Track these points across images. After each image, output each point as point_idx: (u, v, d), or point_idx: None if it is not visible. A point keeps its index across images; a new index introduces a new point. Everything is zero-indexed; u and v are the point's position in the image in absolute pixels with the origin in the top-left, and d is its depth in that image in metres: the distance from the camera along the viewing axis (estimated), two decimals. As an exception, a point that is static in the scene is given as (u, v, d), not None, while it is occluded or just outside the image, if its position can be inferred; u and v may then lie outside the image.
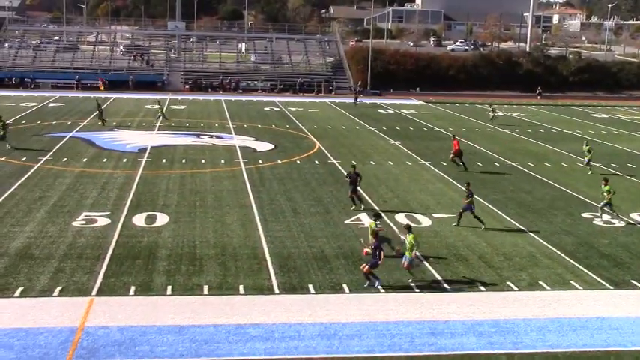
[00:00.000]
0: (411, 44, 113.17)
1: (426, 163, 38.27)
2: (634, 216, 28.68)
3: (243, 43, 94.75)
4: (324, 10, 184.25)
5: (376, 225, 22.02)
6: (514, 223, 27.05)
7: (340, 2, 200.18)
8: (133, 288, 19.15)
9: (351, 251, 22.78)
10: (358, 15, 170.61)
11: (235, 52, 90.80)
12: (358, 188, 28.48)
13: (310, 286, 19.78)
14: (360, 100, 66.76)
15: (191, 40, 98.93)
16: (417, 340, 16.74)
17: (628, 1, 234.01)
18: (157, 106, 52.26)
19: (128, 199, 28.58)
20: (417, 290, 19.84)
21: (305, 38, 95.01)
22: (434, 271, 21.41)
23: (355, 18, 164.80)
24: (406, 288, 19.92)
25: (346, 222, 26.19)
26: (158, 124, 48.85)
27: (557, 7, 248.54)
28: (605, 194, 27.85)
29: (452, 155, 37.40)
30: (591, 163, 37.17)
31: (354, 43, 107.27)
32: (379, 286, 19.74)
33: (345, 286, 19.89)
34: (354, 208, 27.91)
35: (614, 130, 53.22)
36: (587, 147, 37.71)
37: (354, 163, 32.13)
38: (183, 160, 36.95)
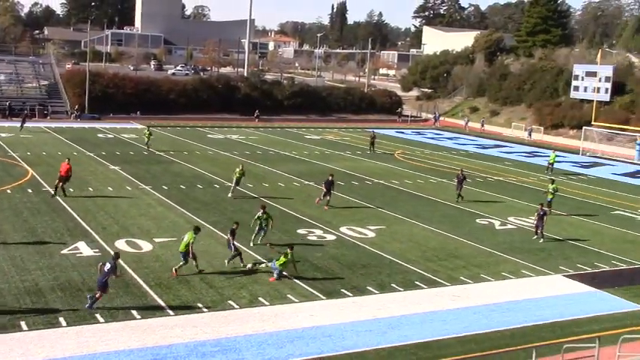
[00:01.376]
0: (132, 68, 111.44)
1: (146, 187, 37.83)
2: (343, 229, 30.84)
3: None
4: (37, 31, 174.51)
5: (194, 238, 23.12)
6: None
7: (55, 23, 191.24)
8: None
9: (68, 282, 21.81)
10: (75, 37, 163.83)
11: None
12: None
13: (22, 323, 18.56)
14: (25, 125, 59.06)
15: None
16: (139, 367, 16.48)
17: (335, 32, 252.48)
18: None
19: None
20: (139, 317, 19.54)
21: (16, 60, 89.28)
22: (155, 296, 21.24)
23: (72, 40, 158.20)
24: (128, 316, 19.53)
25: (62, 252, 25.00)
26: None
27: (273, 35, 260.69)
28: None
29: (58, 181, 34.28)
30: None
31: (70, 65, 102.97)
32: None
33: (61, 319, 18.96)
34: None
35: (325, 150, 56.88)
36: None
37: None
38: None
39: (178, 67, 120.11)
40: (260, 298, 21.63)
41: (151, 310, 20.18)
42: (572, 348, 17.03)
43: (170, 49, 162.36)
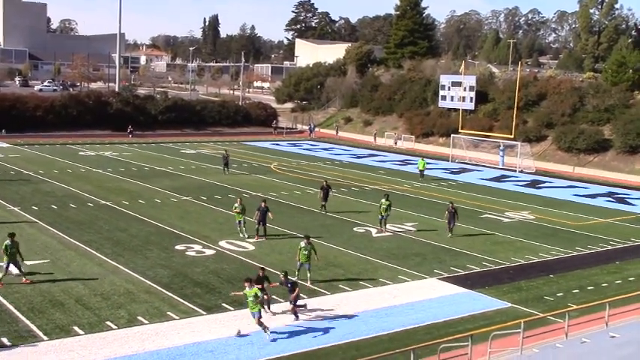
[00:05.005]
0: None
1: (15, 208, 36.21)
2: (222, 243, 30.69)
3: None
4: None
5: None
6: (112, 262, 27.03)
7: None
8: None
9: None
10: None
11: None
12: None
13: None
14: None
15: None
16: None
17: (207, 45, 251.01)
18: None
19: None
20: (9, 344, 18.69)
21: None
22: (27, 321, 20.39)
23: None
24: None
25: None
26: None
27: (144, 49, 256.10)
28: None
29: None
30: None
31: None
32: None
33: None
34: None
35: (201, 165, 56.34)
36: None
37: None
38: None
39: (45, 83, 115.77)
40: (139, 317, 21.19)
41: (22, 336, 19.34)
42: (447, 348, 17.71)
43: (36, 64, 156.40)
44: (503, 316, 22.84)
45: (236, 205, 32.24)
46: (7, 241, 23.82)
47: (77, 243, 29.40)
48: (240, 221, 32.01)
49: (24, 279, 24.02)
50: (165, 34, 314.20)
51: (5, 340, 18.94)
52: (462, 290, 25.84)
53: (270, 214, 31.79)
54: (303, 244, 25.47)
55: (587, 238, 36.05)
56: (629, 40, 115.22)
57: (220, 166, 52.70)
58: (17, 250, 23.92)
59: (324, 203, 39.14)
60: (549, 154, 69.39)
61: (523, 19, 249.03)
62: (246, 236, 31.70)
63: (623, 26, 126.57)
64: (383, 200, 34.57)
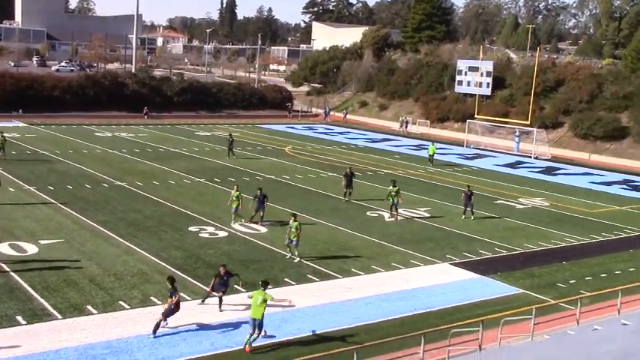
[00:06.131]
0: (12, 64, 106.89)
1: (31, 188, 36.50)
2: (235, 226, 30.81)
3: None
4: None
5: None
6: (125, 242, 27.23)
7: None
8: None
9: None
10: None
11: None
12: None
13: None
14: None
15: None
16: (26, 373, 16.01)
17: (224, 27, 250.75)
18: None
19: None
20: (24, 323, 18.93)
21: None
22: (42, 300, 20.63)
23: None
24: (13, 322, 18.89)
25: (-60, 258, 23.86)
26: None
27: (161, 30, 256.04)
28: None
29: None
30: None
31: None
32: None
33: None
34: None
35: (215, 147, 56.43)
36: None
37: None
38: None
39: (63, 64, 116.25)
40: (152, 298, 21.38)
41: (37, 315, 19.58)
42: (458, 333, 17.75)
43: (53, 44, 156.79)
44: (515, 302, 22.84)
45: (233, 192, 31.60)
46: None
47: (92, 223, 29.62)
48: (235, 208, 31.32)
49: None
50: (183, 15, 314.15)
51: (20, 319, 19.18)
52: (474, 276, 25.84)
53: (266, 202, 31.33)
54: (291, 222, 26.24)
55: (601, 225, 35.87)
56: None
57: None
58: None
59: (347, 191, 37.96)
60: (565, 141, 68.88)
61: (543, 3, 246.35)
62: (239, 222, 31.29)
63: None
64: (391, 187, 34.56)
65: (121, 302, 20.89)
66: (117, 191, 36.97)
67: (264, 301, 18.29)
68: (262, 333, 18.42)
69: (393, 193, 34.19)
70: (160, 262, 24.96)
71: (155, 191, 37.51)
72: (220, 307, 20.67)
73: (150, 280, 23.07)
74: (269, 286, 19.18)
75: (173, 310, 18.84)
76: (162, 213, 32.66)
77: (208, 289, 20.95)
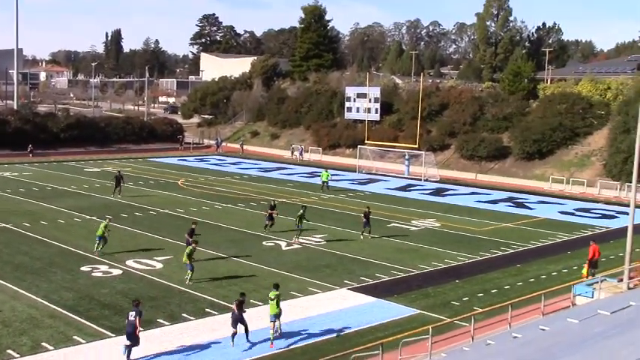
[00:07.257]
0: None
1: None
2: (129, 263, 30.09)
3: None
4: None
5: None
6: (13, 287, 26.07)
7: None
8: None
9: None
10: None
11: None
12: None
13: None
14: None
15: None
16: None
17: (110, 60, 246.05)
18: None
19: None
20: None
21: None
22: None
23: None
24: None
25: None
26: None
27: (44, 65, 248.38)
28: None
29: None
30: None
31: None
32: None
33: None
34: None
35: (106, 183, 54.92)
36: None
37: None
38: None
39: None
40: (43, 343, 20.54)
41: None
42: (359, 358, 17.93)
43: None
44: (413, 323, 23.32)
45: (104, 223, 32.03)
46: None
47: (-25, 269, 28.26)
48: (100, 237, 31.61)
49: None
50: (66, 49, 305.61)
51: None
52: (372, 299, 26.22)
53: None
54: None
55: (490, 242, 37.25)
56: (523, 51, 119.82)
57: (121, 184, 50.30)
58: None
59: (268, 223, 38.00)
60: (453, 163, 71.32)
61: (424, 30, 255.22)
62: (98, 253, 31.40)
63: (518, 38, 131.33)
64: (301, 211, 36.10)
65: (10, 351, 19.95)
66: (2, 234, 35.39)
67: (273, 298, 21.58)
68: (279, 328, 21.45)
69: (297, 216, 35.53)
70: (51, 305, 24.05)
71: (44, 231, 36.16)
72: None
73: (40, 324, 22.16)
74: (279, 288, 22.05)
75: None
76: (52, 253, 31.52)
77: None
